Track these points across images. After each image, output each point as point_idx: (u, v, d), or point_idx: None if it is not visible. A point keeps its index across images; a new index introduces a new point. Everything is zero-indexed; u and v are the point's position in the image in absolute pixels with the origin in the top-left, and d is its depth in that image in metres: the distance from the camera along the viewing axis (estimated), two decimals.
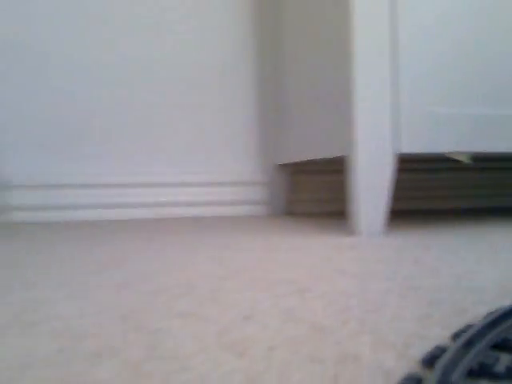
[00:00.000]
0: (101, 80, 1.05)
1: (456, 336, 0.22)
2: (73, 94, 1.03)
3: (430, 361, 0.19)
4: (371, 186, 0.66)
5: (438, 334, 0.23)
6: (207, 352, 0.20)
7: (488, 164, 1.22)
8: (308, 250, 0.53)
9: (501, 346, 0.20)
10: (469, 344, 0.19)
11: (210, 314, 0.27)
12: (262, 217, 1.04)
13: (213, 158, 1.11)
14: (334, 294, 0.32)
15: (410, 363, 0.19)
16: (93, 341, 0.23)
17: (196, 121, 1.10)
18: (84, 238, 0.70)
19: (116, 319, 0.26)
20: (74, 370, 0.19)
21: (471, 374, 0.17)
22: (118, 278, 0.39)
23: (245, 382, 0.18)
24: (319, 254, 0.50)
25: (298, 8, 0.91)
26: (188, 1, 1.08)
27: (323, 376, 0.18)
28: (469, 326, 0.22)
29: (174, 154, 1.09)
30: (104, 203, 1.03)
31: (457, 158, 0.72)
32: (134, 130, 1.07)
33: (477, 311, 0.27)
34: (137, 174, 1.07)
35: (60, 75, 1.03)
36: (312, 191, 1.13)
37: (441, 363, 0.18)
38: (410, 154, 0.70)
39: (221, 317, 0.27)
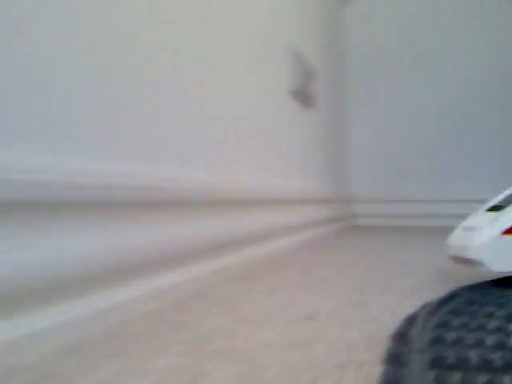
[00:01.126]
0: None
1: (422, 308, 0.31)
2: None
3: (410, 321, 0.28)
4: None
5: None
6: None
7: None
8: None
9: (456, 312, 0.29)
10: (433, 311, 0.28)
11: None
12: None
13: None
14: None
15: None
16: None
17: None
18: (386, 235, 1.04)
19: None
20: None
21: (437, 327, 0.26)
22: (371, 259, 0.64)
23: None
24: None
25: None
26: None
27: None
28: (426, 304, 0.32)
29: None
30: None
31: None
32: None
33: None
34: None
35: None
36: None
37: (418, 321, 0.26)
38: None
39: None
